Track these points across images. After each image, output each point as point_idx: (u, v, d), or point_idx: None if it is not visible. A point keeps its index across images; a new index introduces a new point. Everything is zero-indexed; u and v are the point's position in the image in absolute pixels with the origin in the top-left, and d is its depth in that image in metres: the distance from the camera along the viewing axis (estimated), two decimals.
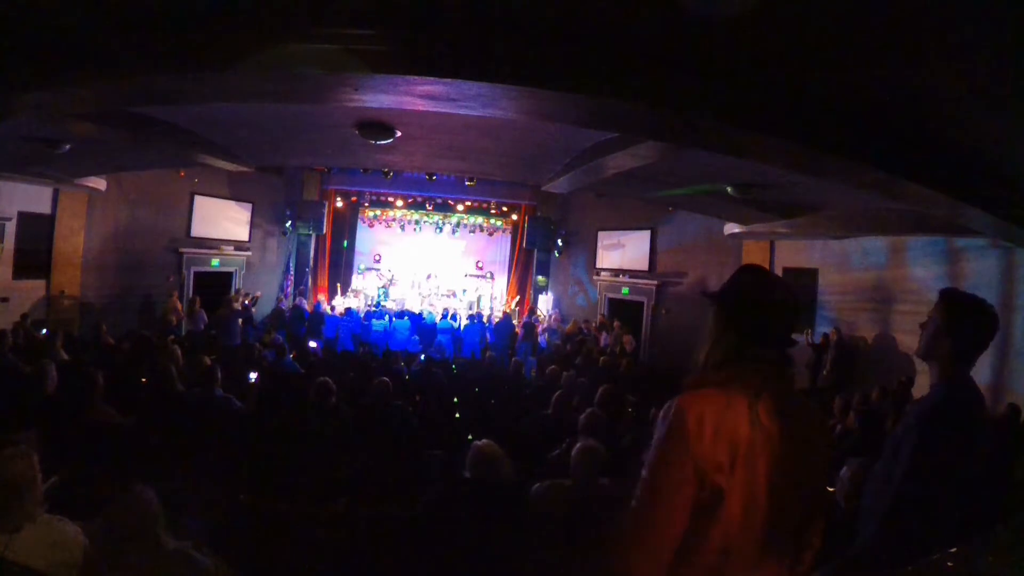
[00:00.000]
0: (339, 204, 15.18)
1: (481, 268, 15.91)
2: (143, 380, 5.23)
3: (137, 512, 1.97)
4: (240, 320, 10.54)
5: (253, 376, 5.92)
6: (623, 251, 13.72)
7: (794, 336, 1.43)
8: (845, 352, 9.08)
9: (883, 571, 1.59)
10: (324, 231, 14.63)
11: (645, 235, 13.15)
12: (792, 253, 10.64)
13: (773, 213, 8.28)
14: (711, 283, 10.97)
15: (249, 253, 13.37)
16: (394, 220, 15.76)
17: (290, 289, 14.13)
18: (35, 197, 9.45)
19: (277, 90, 4.17)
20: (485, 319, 13.33)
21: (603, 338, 11.71)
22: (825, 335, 9.43)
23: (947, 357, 1.81)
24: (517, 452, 3.33)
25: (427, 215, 15.63)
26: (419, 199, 15.07)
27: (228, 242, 12.85)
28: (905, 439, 1.75)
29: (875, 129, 3.91)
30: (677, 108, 3.70)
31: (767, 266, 10.88)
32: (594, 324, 12.71)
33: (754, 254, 11.14)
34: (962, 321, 1.82)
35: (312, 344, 10.19)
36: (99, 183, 9.70)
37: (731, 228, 10.26)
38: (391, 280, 14.93)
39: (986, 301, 1.86)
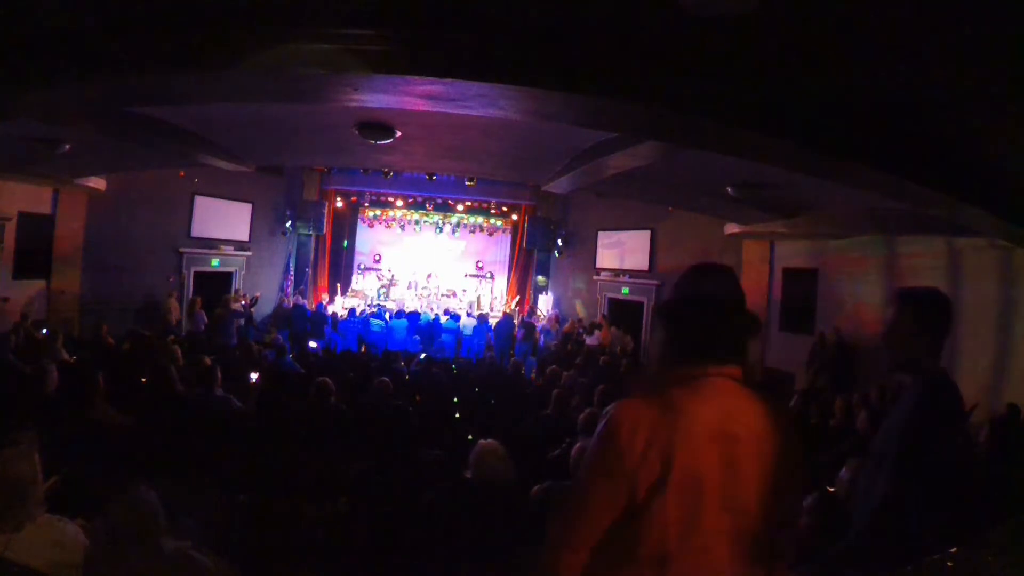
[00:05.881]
0: (339, 204, 15.17)
1: (481, 268, 15.90)
2: (143, 380, 5.23)
3: (137, 512, 1.97)
4: (242, 320, 10.54)
5: (253, 376, 5.93)
6: (623, 251, 13.72)
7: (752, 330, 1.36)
8: (844, 352, 9.08)
9: (873, 567, 1.59)
10: (324, 231, 14.63)
11: (645, 235, 13.15)
12: (792, 253, 10.63)
13: (773, 213, 8.28)
14: None
15: (249, 253, 13.36)
16: (394, 220, 15.76)
17: (290, 289, 14.13)
18: (35, 197, 9.44)
19: (277, 90, 4.18)
20: (490, 320, 13.34)
21: (588, 339, 11.75)
22: (822, 334, 9.43)
23: (926, 354, 1.78)
24: (517, 452, 3.33)
25: (427, 215, 15.61)
26: (419, 199, 15.06)
27: (228, 242, 12.85)
28: (892, 437, 1.74)
29: (875, 129, 3.91)
30: (677, 108, 3.70)
31: (767, 266, 10.89)
32: (584, 323, 12.79)
33: (754, 254, 11.13)
34: (932, 315, 1.79)
35: (312, 344, 10.20)
36: (99, 183, 9.69)
37: (731, 228, 10.26)
38: (391, 280, 14.93)
39: (938, 289, 1.87)
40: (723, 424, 1.22)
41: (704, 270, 1.38)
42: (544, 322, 13.26)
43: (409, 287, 14.83)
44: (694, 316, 1.31)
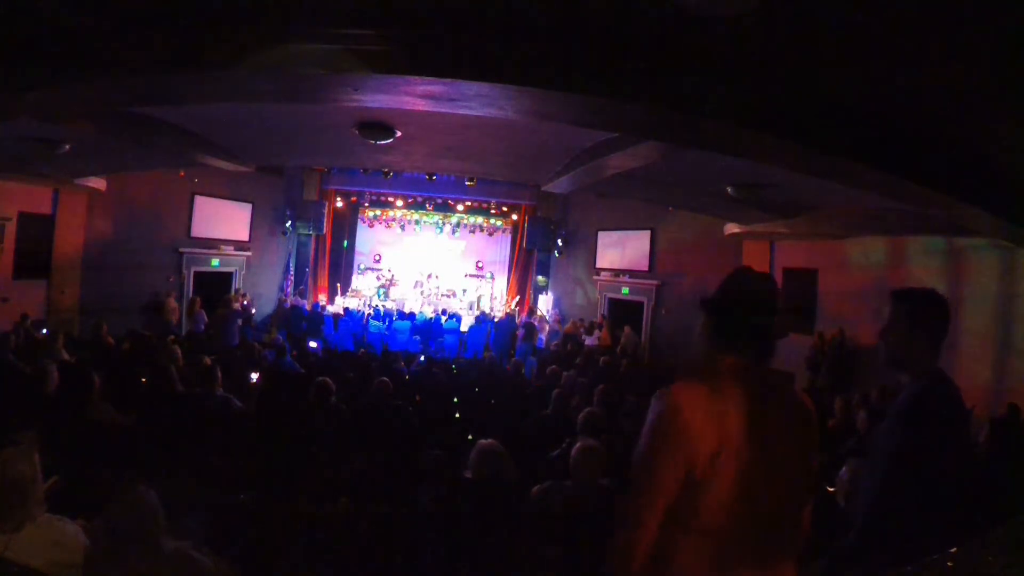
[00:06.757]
0: (339, 204, 15.17)
1: (481, 268, 15.90)
2: (143, 380, 5.22)
3: (137, 512, 1.97)
4: (239, 320, 10.53)
5: (253, 376, 5.93)
6: (623, 251, 13.71)
7: (777, 332, 1.49)
8: (845, 352, 9.07)
9: (873, 567, 1.59)
10: (324, 231, 14.63)
11: (645, 235, 13.14)
12: (792, 253, 10.63)
13: (773, 213, 8.28)
14: (711, 283, 10.93)
15: (249, 253, 13.36)
16: (394, 220, 15.77)
17: (290, 289, 14.13)
18: (35, 197, 9.45)
19: (277, 90, 4.17)
20: (492, 317, 13.31)
21: (587, 339, 11.76)
22: (820, 334, 9.43)
23: (923, 353, 1.80)
24: (517, 452, 3.33)
25: (427, 215, 15.62)
26: (419, 199, 15.07)
27: (228, 242, 12.85)
28: (888, 435, 1.76)
29: (875, 129, 3.91)
30: (677, 108, 3.70)
31: (767, 266, 10.88)
32: (583, 323, 12.82)
33: (754, 254, 11.12)
34: (928, 315, 1.83)
35: (312, 344, 10.20)
36: (99, 183, 9.68)
37: (731, 228, 10.26)
38: (391, 280, 14.93)
39: (934, 289, 1.89)
40: (767, 409, 1.36)
41: (750, 273, 1.56)
42: (551, 323, 13.24)
43: (415, 286, 14.83)
44: (739, 312, 1.46)
